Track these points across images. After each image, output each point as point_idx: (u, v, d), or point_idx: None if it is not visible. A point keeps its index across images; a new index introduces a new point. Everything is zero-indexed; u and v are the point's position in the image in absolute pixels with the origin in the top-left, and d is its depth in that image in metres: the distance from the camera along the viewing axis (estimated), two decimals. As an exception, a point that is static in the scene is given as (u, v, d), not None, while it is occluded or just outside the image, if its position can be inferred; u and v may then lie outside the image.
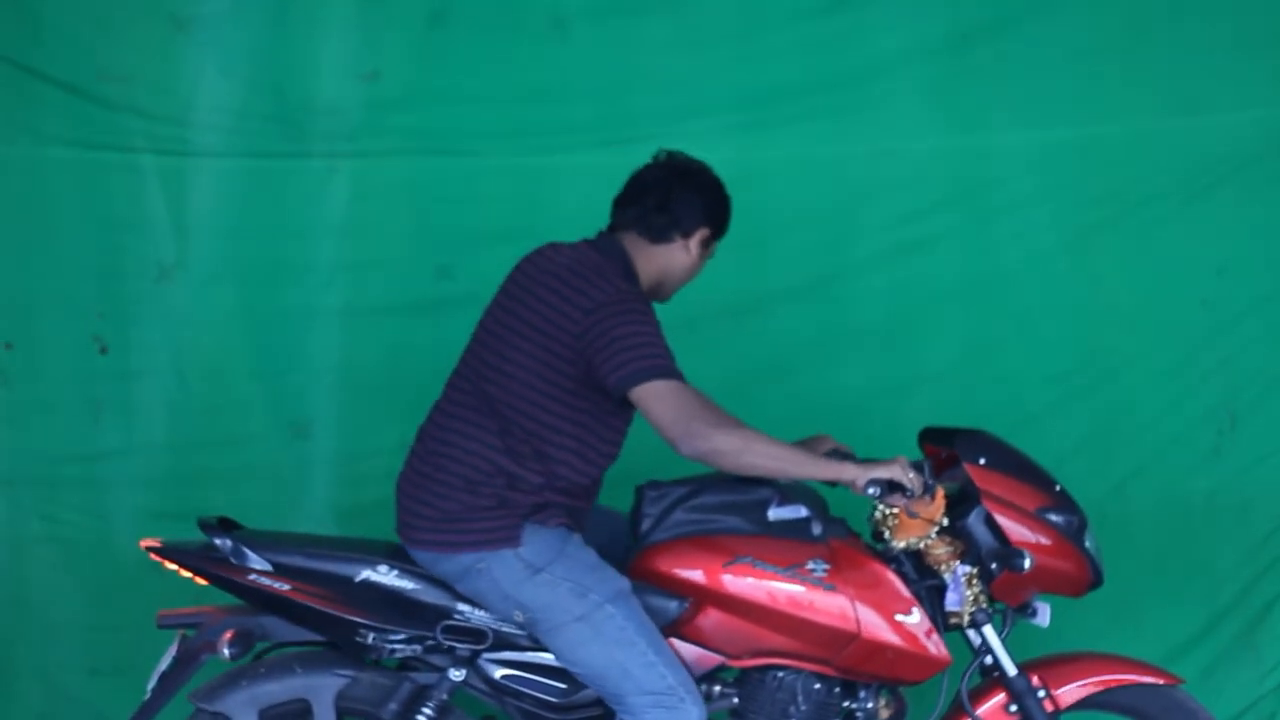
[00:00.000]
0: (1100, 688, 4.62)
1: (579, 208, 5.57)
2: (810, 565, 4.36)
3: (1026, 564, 4.34)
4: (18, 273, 5.54)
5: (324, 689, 4.29)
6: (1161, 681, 4.65)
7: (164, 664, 4.30)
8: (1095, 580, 4.59)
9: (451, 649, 4.31)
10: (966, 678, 4.57)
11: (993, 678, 4.57)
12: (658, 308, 4.43)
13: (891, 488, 4.27)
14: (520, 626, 4.32)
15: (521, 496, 4.28)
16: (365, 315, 5.68)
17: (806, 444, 4.69)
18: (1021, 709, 4.55)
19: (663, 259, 4.54)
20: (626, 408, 4.34)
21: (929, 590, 4.47)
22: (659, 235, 4.53)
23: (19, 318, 5.55)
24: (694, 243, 4.55)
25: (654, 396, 4.20)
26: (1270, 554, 5.77)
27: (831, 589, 4.34)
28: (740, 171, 5.51)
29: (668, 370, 4.23)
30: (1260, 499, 5.77)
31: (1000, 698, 4.58)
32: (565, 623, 4.25)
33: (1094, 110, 5.80)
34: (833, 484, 4.33)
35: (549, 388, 4.29)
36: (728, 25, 5.78)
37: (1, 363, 5.53)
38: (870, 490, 4.23)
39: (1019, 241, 5.80)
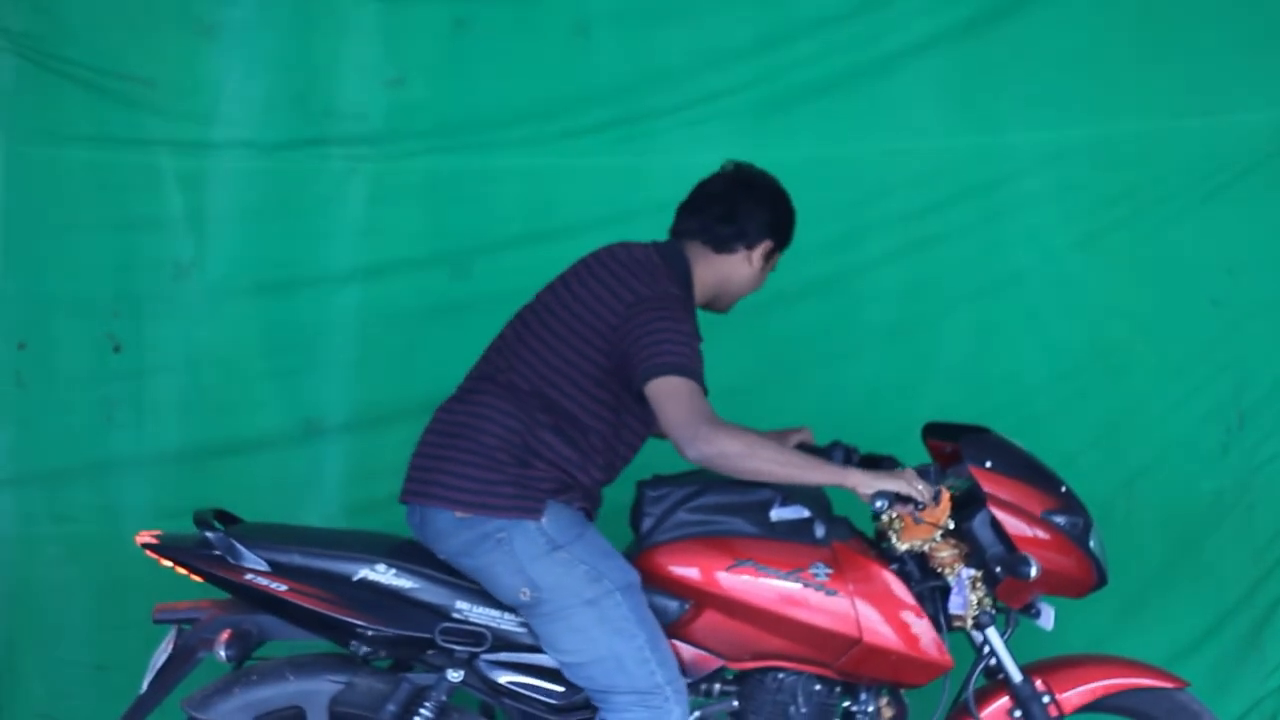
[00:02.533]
0: (1105, 692, 4.61)
1: (598, 211, 5.67)
2: (812, 570, 4.36)
3: (1033, 572, 4.31)
4: (34, 272, 5.55)
5: (318, 695, 4.26)
6: (1167, 685, 4.64)
7: (159, 660, 4.29)
8: (1099, 582, 4.58)
9: (450, 651, 4.29)
10: (972, 681, 4.56)
11: (996, 680, 4.58)
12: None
13: (899, 499, 4.26)
14: (519, 608, 4.29)
15: (545, 473, 4.28)
16: (382, 315, 5.70)
17: (783, 436, 4.73)
18: (1026, 714, 4.55)
19: (725, 269, 4.58)
20: (646, 408, 4.32)
21: (932, 591, 4.47)
22: (722, 245, 4.56)
23: (34, 317, 5.55)
24: (757, 255, 4.59)
25: (668, 393, 4.21)
26: (1276, 554, 5.77)
27: (834, 594, 4.34)
28: (755, 170, 5.57)
29: (688, 370, 4.23)
30: (1267, 499, 5.77)
31: (1004, 701, 4.58)
32: (573, 605, 4.25)
33: (1106, 110, 5.81)
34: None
35: (580, 376, 4.33)
36: (745, 28, 5.80)
37: (15, 362, 5.54)
38: (878, 504, 4.20)
39: (1030, 240, 5.81)
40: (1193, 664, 5.64)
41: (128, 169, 5.58)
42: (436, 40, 5.71)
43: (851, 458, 4.64)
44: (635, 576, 4.32)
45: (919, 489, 4.25)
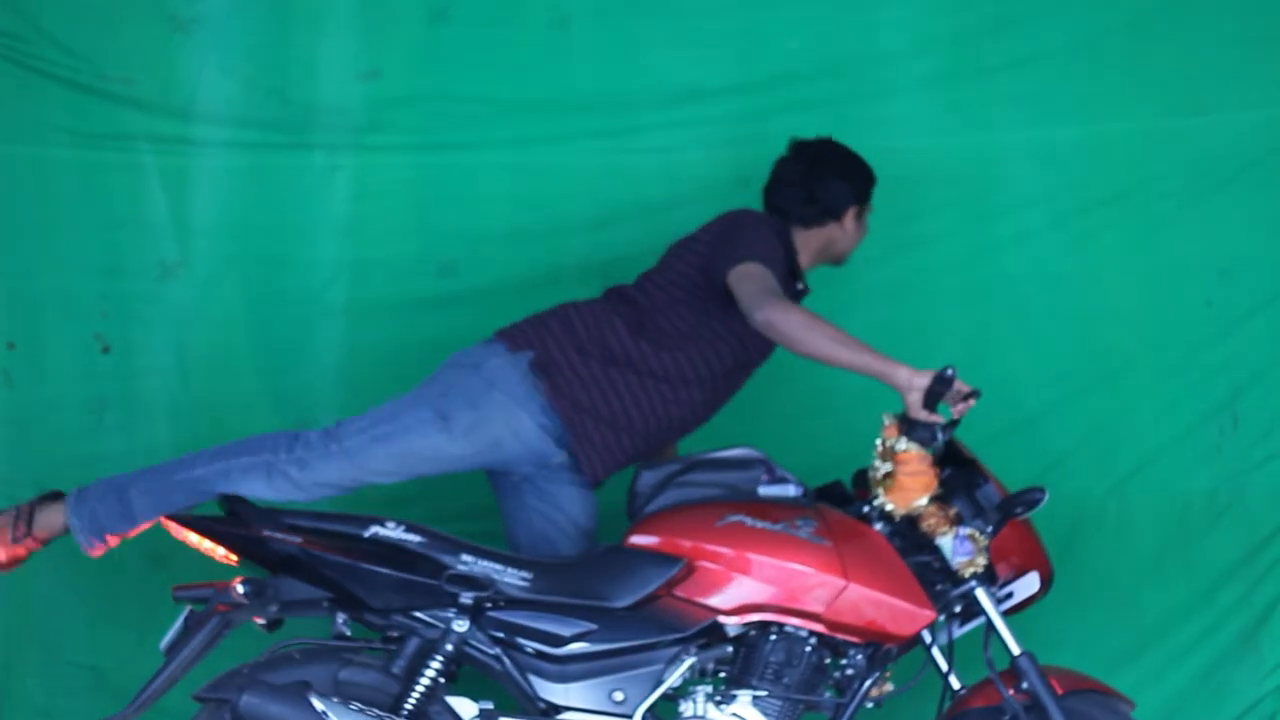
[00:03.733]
0: (1076, 686, 4.62)
1: (581, 204, 5.65)
2: (799, 522, 4.50)
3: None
4: (20, 272, 5.55)
5: (326, 669, 4.37)
6: (1117, 697, 4.65)
7: (170, 635, 4.38)
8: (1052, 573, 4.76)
9: (455, 599, 4.38)
10: (988, 648, 4.58)
11: (983, 679, 4.59)
12: None
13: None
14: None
15: (565, 337, 4.72)
16: (368, 312, 5.69)
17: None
18: (1030, 687, 4.50)
19: (822, 239, 5.05)
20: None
21: (917, 566, 4.55)
22: (813, 222, 5.01)
23: (22, 317, 5.55)
24: (848, 220, 5.05)
25: (748, 273, 4.63)
26: (1272, 554, 5.72)
27: (820, 540, 4.46)
28: (742, 169, 5.59)
29: (769, 261, 4.67)
30: (1262, 499, 5.74)
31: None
32: (421, 415, 4.65)
33: (1098, 109, 5.79)
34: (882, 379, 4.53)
35: (687, 295, 4.78)
36: (730, 22, 5.79)
37: (4, 362, 5.52)
38: (949, 371, 4.45)
39: (1021, 240, 5.79)
40: (1189, 666, 5.68)
41: (111, 168, 5.58)
42: (414, 32, 5.70)
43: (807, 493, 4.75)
44: (450, 456, 4.66)
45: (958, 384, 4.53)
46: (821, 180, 4.97)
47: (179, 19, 5.59)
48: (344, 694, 4.31)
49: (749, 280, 4.60)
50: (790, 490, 4.62)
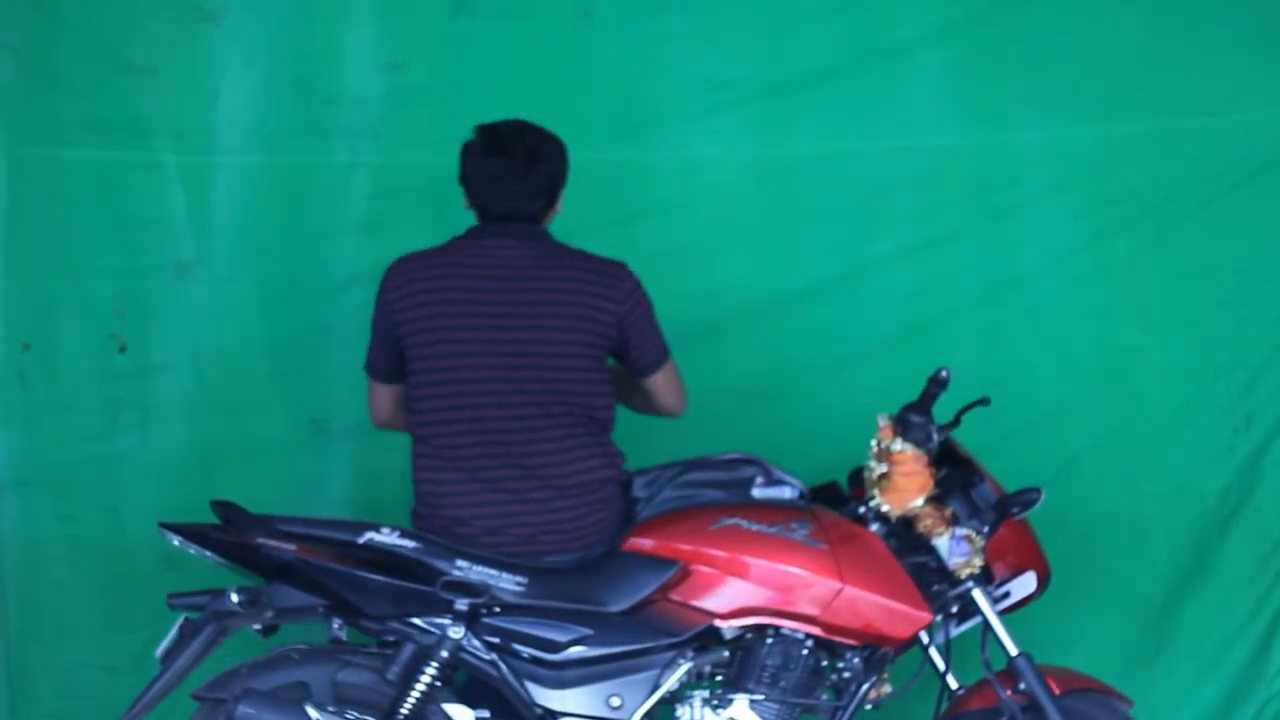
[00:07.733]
0: (1075, 685, 4.63)
1: (598, 201, 5.64)
2: (795, 525, 4.51)
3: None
4: (36, 273, 5.56)
5: (324, 671, 4.40)
6: (1116, 696, 4.67)
7: (166, 643, 4.40)
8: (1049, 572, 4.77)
9: (450, 605, 4.39)
10: (985, 649, 4.60)
11: (980, 680, 4.61)
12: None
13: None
14: None
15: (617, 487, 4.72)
16: (386, 314, 5.71)
17: None
18: (1028, 687, 4.53)
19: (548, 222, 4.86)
20: None
21: (913, 567, 4.56)
22: (540, 218, 4.80)
23: (37, 318, 5.57)
24: (560, 200, 4.85)
25: (671, 374, 4.79)
26: (1285, 555, 5.74)
27: (816, 543, 4.48)
28: (761, 167, 5.61)
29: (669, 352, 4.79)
30: (1275, 500, 5.73)
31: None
32: None
33: (1114, 109, 5.77)
34: None
35: (598, 372, 4.67)
36: (751, 19, 5.78)
37: (19, 364, 5.56)
38: (943, 372, 4.59)
39: (1037, 240, 5.78)
40: (1201, 666, 5.70)
41: (128, 167, 5.60)
42: (436, 24, 5.71)
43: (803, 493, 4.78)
44: None
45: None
46: (538, 166, 4.69)
47: (204, 9, 5.60)
48: (342, 695, 4.34)
49: (677, 380, 4.85)
50: (786, 492, 4.65)
